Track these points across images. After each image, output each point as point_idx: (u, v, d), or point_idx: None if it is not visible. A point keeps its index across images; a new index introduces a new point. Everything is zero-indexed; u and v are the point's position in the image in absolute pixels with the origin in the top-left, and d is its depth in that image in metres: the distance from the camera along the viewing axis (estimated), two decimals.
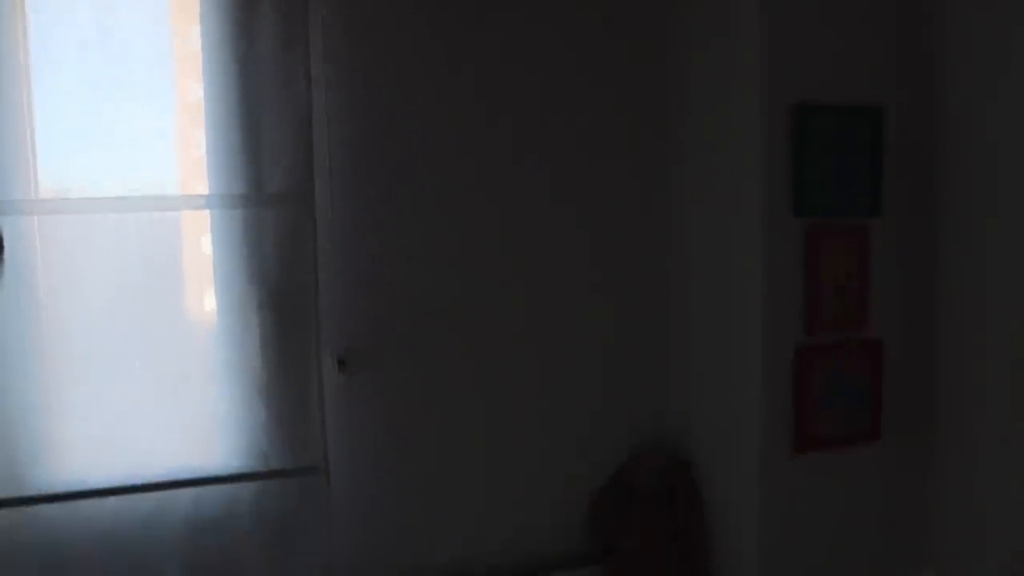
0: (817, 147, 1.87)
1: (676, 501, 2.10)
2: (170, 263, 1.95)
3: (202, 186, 1.92)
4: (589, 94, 2.10)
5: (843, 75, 1.90)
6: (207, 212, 1.93)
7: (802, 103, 1.86)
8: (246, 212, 1.92)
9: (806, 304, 1.91)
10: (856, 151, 1.90)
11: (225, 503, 1.94)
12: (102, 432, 1.87)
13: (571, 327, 2.12)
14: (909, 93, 1.95)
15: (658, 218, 2.16)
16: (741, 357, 1.96)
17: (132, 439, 1.88)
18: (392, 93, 1.98)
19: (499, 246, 2.06)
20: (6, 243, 1.78)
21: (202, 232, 1.96)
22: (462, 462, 2.08)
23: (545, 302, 2.10)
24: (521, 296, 2.08)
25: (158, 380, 1.90)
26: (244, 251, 1.92)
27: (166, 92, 1.90)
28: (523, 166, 2.06)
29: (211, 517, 1.93)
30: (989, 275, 1.85)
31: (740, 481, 1.99)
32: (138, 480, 1.88)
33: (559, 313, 2.11)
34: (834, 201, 1.91)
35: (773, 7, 1.84)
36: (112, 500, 1.88)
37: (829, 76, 1.88)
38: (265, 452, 1.94)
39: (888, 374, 1.99)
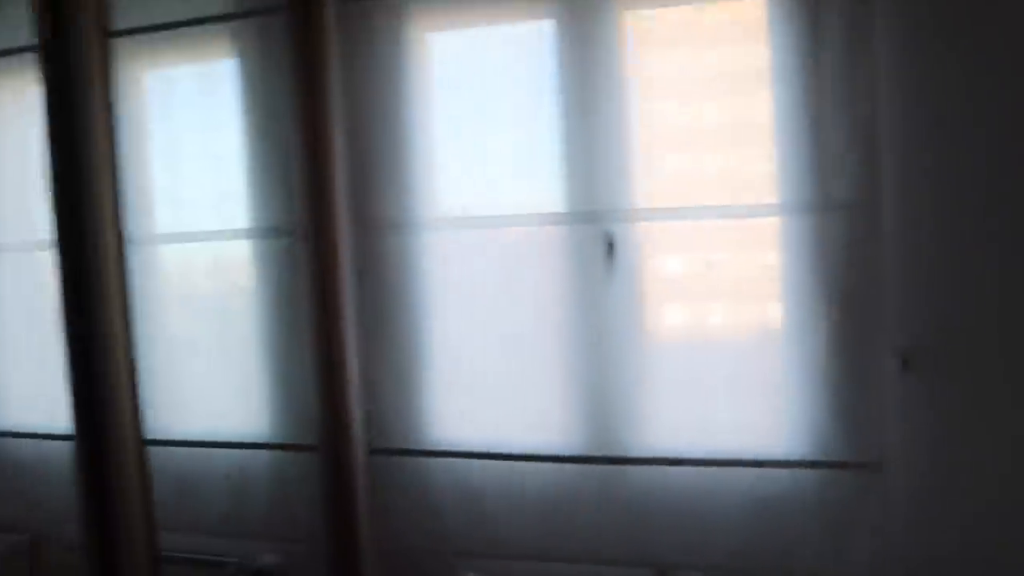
0: None
1: None
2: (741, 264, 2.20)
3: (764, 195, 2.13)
4: None
5: None
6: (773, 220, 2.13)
7: None
8: (813, 219, 2.07)
9: None
10: None
11: (782, 487, 2.12)
12: (684, 408, 2.15)
13: None
14: None
15: None
16: None
17: (708, 419, 2.14)
18: (959, 98, 2.01)
19: None
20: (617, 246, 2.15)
21: (767, 238, 2.15)
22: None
23: None
24: None
25: (734, 366, 2.14)
26: (811, 255, 2.08)
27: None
28: None
29: (768, 498, 2.12)
30: None
31: None
32: (708, 455, 2.14)
33: None
34: None
35: None
36: (684, 469, 2.15)
37: None
38: (824, 443, 2.08)
39: None
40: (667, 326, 2.17)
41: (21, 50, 2.47)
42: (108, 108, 1.56)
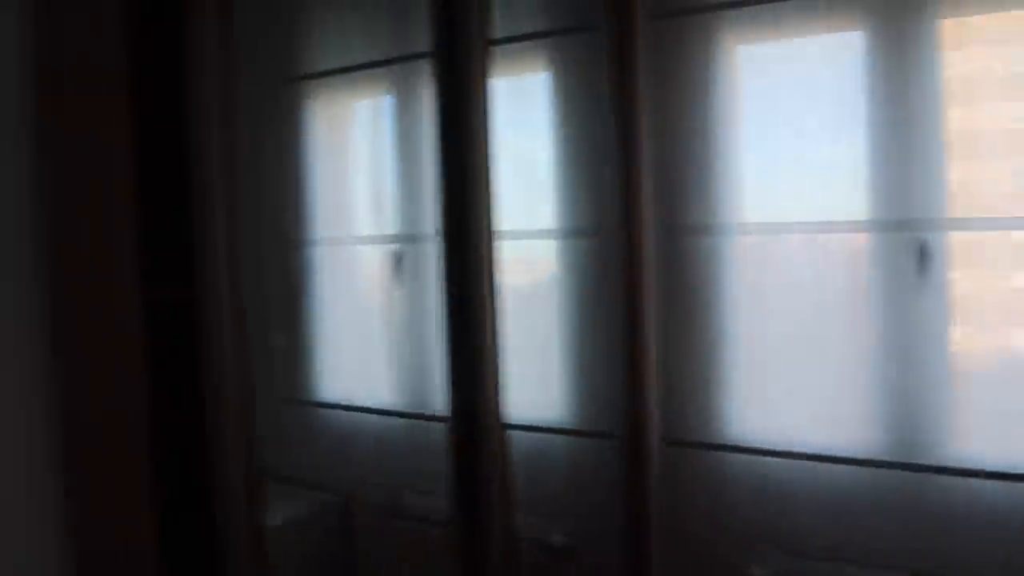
0: None
1: None
2: None
3: None
4: None
5: None
6: None
7: None
8: None
9: None
10: None
11: None
12: (993, 424, 2.12)
13: None
14: None
15: None
16: None
17: (1020, 437, 2.10)
18: None
19: None
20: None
21: None
22: None
23: None
24: None
25: None
26: None
27: None
28: None
29: None
30: None
31: None
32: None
33: None
34: None
35: None
36: (992, 484, 2.12)
37: None
38: None
39: None
40: (978, 339, 2.14)
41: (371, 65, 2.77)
42: (486, 114, 1.76)
